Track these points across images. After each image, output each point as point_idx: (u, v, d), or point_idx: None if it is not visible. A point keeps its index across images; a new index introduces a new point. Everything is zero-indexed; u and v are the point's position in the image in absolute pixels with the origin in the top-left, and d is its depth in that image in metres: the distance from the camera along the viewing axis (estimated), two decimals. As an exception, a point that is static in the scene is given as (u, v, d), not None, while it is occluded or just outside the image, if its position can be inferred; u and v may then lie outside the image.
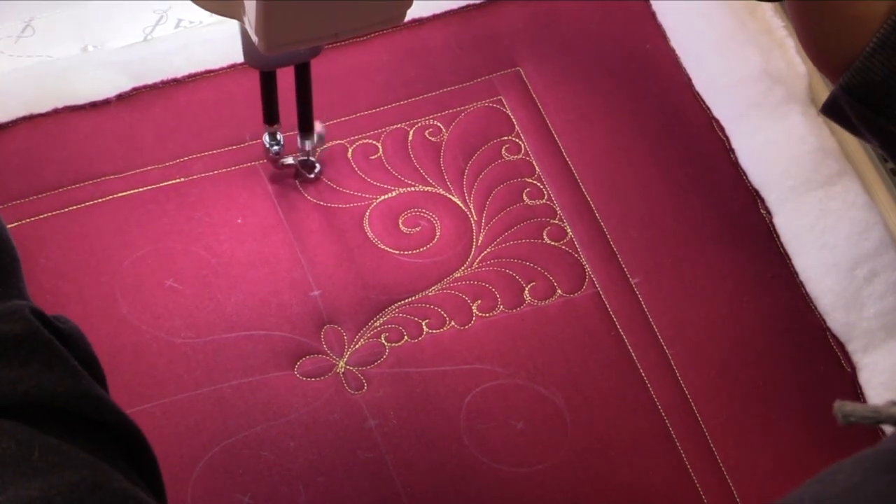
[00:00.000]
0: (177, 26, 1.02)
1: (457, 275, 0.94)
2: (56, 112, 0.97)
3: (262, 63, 0.87)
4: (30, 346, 0.67)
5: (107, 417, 0.68)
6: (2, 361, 0.66)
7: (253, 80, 0.99)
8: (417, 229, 0.96)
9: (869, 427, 0.90)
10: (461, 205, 0.97)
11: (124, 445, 0.69)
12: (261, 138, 0.97)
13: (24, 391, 0.65)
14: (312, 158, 0.96)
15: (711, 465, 0.89)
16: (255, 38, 0.78)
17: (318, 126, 0.94)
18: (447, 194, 0.97)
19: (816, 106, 1.02)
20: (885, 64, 0.74)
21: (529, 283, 0.94)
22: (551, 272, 0.95)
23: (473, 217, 0.97)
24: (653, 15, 1.05)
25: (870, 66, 0.74)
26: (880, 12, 0.74)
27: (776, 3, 1.03)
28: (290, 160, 0.95)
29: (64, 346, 0.69)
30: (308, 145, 0.94)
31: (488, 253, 0.95)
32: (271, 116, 0.92)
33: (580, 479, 0.88)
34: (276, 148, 0.94)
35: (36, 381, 0.66)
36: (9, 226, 0.93)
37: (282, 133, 0.94)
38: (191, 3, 1.00)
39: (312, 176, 0.96)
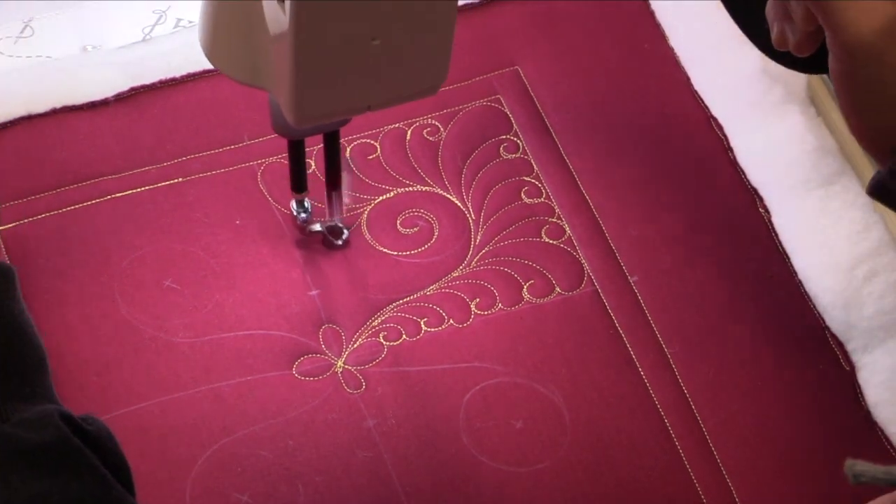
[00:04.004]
0: (176, 26, 1.02)
1: (455, 274, 0.94)
2: (55, 112, 0.97)
3: (290, 132, 0.86)
4: (59, 455, 0.67)
5: None
6: (32, 472, 0.67)
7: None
8: (416, 229, 0.96)
9: (867, 429, 0.91)
10: (459, 204, 0.97)
11: None
12: (258, 139, 0.97)
13: (55, 503, 0.66)
14: (340, 224, 0.94)
15: (710, 463, 0.89)
16: (285, 110, 0.77)
17: (345, 197, 0.93)
18: (445, 194, 0.97)
19: (816, 106, 1.02)
20: None
21: (528, 281, 0.94)
22: (550, 270, 0.95)
23: (472, 216, 0.96)
24: (651, 14, 1.05)
25: None
26: None
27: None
28: (317, 227, 0.94)
29: (93, 449, 0.69)
30: (336, 214, 0.93)
31: (487, 252, 0.95)
32: (300, 184, 0.91)
33: (579, 478, 0.88)
34: (303, 215, 0.94)
35: (65, 492, 0.66)
36: (8, 226, 0.93)
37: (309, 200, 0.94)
38: (190, 3, 1.00)
39: (340, 242, 0.94)
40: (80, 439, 0.69)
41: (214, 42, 0.79)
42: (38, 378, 0.73)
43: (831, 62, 0.72)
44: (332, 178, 0.91)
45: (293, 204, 0.94)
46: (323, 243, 0.95)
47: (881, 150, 0.73)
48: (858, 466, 0.64)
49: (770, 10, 0.76)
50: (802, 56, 0.75)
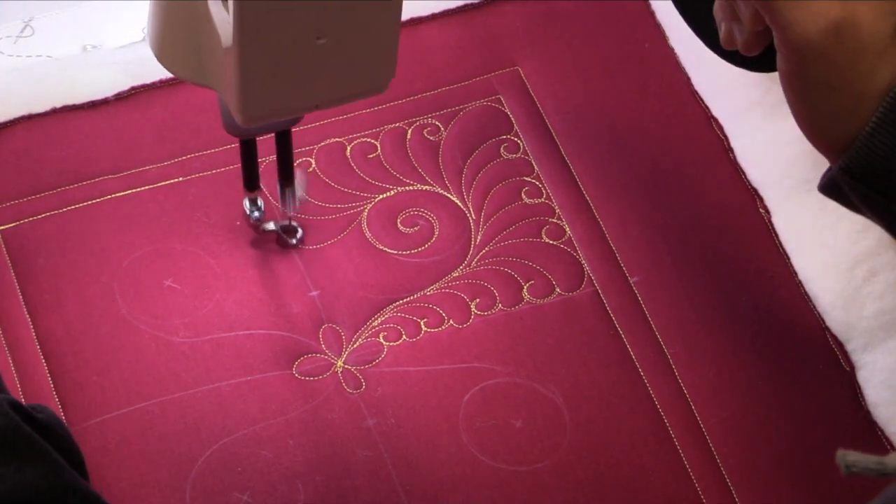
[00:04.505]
0: (175, 26, 1.02)
1: (455, 274, 0.94)
2: (55, 112, 0.97)
3: (240, 132, 0.86)
4: (10, 443, 0.67)
5: None
6: None
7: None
8: (416, 228, 0.96)
9: (867, 429, 0.91)
10: (459, 204, 0.97)
11: None
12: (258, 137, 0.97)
13: (7, 489, 0.66)
14: (295, 224, 0.94)
15: (710, 463, 0.89)
16: (232, 109, 0.76)
17: (299, 190, 0.92)
18: (446, 193, 0.97)
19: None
20: (887, 143, 0.70)
21: (528, 281, 0.94)
22: (550, 271, 0.95)
23: (472, 216, 0.97)
24: (652, 14, 1.05)
25: (871, 146, 0.70)
26: (879, 89, 0.70)
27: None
28: (271, 226, 0.94)
29: (44, 437, 0.69)
30: (289, 207, 0.93)
31: (487, 252, 0.95)
32: (252, 183, 0.91)
33: (579, 477, 0.88)
34: (256, 214, 0.93)
35: (18, 477, 0.66)
36: (7, 226, 0.93)
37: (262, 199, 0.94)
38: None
39: (294, 242, 0.94)
40: (31, 427, 0.69)
41: (162, 42, 0.79)
42: None
43: (779, 62, 0.72)
44: (284, 176, 0.90)
45: (246, 202, 0.93)
46: (277, 242, 0.95)
47: (830, 149, 0.73)
48: (850, 457, 0.64)
49: (718, 9, 0.76)
50: (751, 55, 0.76)
